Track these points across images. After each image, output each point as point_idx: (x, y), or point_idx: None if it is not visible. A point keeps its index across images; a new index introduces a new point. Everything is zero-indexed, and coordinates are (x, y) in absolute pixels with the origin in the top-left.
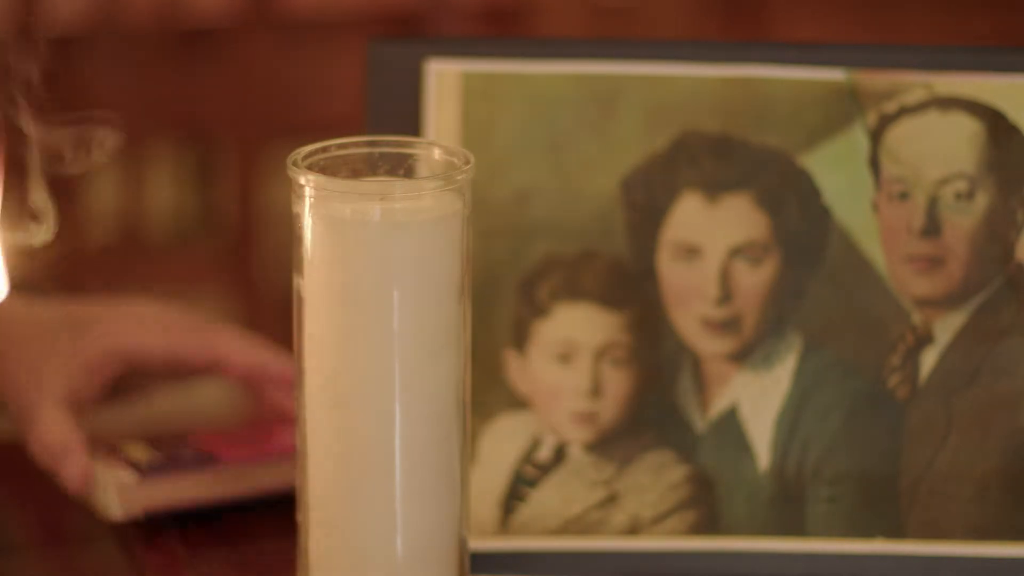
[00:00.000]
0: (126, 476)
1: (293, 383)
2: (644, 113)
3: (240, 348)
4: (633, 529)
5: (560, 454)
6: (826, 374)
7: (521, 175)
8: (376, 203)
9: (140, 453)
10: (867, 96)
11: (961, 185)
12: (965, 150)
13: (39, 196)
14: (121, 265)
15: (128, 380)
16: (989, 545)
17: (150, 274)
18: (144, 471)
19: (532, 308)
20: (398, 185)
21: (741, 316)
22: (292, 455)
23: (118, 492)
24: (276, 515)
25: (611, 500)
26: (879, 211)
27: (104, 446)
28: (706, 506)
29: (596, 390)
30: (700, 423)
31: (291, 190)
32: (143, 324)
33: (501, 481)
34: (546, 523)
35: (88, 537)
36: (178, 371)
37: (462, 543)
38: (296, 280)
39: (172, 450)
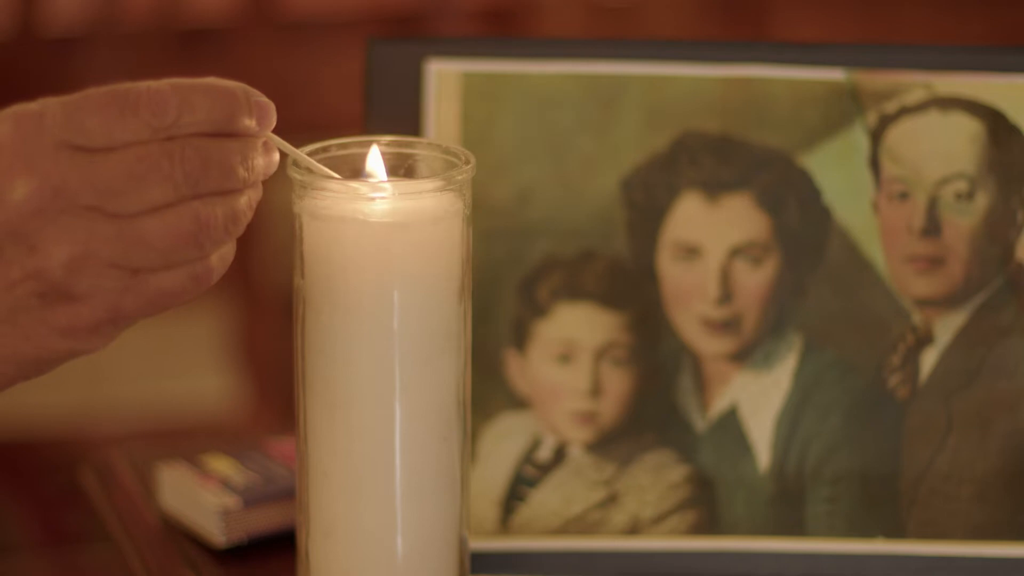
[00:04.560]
0: (230, 502)
1: (293, 383)
2: (644, 113)
3: None
4: (633, 529)
5: (560, 454)
6: (826, 374)
7: (521, 175)
8: (376, 203)
9: (228, 468)
10: (867, 96)
11: (961, 185)
12: (965, 150)
13: None
14: None
15: None
16: (989, 545)
17: None
18: (247, 497)
19: (532, 308)
20: (398, 185)
21: (741, 316)
22: None
23: (223, 519)
24: None
25: (611, 500)
26: (879, 211)
27: (185, 460)
28: (706, 506)
29: (596, 390)
30: (700, 423)
31: (291, 190)
32: None
33: (501, 481)
34: (546, 523)
35: (88, 537)
36: None
37: (462, 543)
38: (296, 280)
39: (262, 466)
